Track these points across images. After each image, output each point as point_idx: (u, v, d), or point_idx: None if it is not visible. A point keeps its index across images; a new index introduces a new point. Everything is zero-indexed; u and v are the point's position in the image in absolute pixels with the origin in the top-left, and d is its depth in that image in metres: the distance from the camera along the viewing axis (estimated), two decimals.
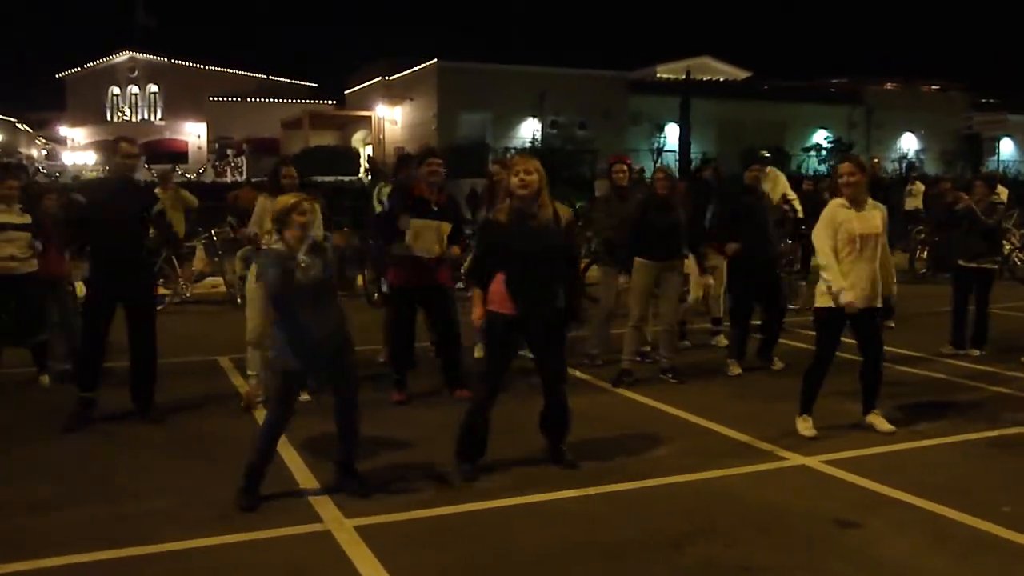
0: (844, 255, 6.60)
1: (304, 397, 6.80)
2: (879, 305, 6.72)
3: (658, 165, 9.40)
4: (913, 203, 19.10)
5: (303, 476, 5.82)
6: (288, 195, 5.46)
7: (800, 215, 11.38)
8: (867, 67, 47.03)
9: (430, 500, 5.39)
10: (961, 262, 9.84)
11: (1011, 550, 4.78)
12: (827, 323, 6.75)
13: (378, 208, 9.56)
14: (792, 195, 11.47)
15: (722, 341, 10.21)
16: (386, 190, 9.55)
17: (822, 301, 6.69)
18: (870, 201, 6.71)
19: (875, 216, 6.67)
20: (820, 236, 6.69)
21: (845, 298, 6.51)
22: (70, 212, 7.39)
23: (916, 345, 10.07)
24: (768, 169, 11.01)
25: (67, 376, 8.00)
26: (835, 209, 6.68)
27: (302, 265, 5.21)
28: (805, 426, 6.79)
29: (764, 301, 9.07)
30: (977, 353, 9.72)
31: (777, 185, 11.25)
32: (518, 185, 5.71)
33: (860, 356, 6.94)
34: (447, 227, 7.67)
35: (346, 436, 5.61)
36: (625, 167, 9.08)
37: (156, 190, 13.31)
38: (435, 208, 7.62)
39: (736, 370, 8.89)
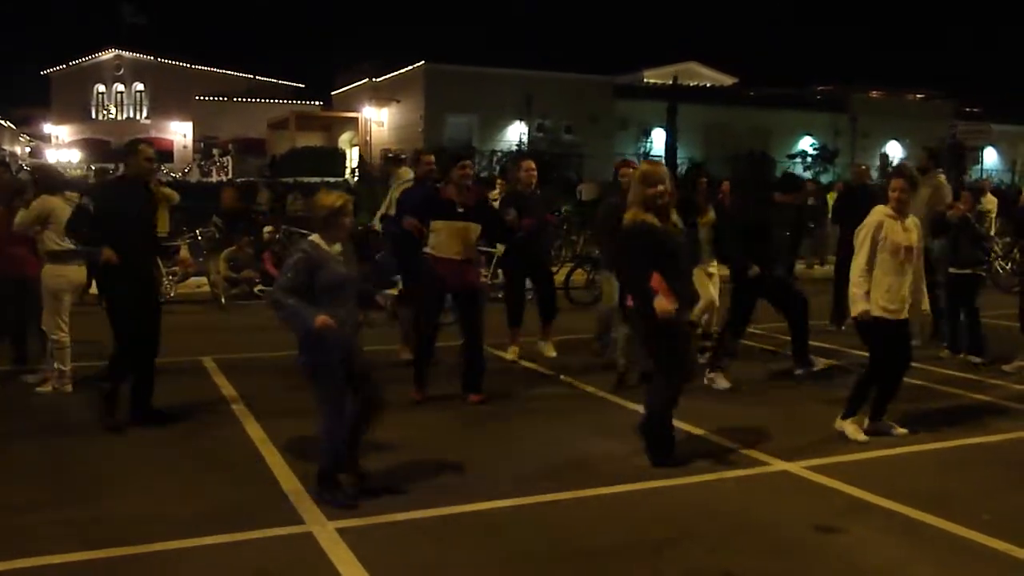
0: (889, 264, 6.71)
1: None
2: (904, 317, 6.79)
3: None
4: None
5: (285, 477, 5.79)
6: (332, 195, 5.43)
7: None
8: (853, 75, 47.34)
9: (411, 502, 5.37)
10: (952, 269, 9.90)
11: (992, 557, 4.80)
12: (876, 330, 6.78)
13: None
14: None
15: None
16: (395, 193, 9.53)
17: (874, 310, 6.74)
18: (911, 216, 6.90)
19: (914, 230, 6.86)
20: (861, 240, 6.83)
21: (857, 309, 6.71)
22: (78, 219, 6.99)
23: None
24: (401, 171, 10.74)
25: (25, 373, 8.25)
26: (882, 216, 6.82)
27: (341, 259, 5.33)
28: (853, 429, 6.86)
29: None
30: (978, 361, 9.65)
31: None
32: (655, 195, 6.06)
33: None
34: (475, 228, 7.66)
35: (356, 436, 5.56)
36: (631, 171, 9.08)
37: None
38: (461, 210, 7.62)
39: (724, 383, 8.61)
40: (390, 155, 11.54)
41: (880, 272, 6.73)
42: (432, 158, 9.41)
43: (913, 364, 9.46)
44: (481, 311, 7.92)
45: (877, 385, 6.92)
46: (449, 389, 7.98)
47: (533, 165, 9.77)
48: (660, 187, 6.04)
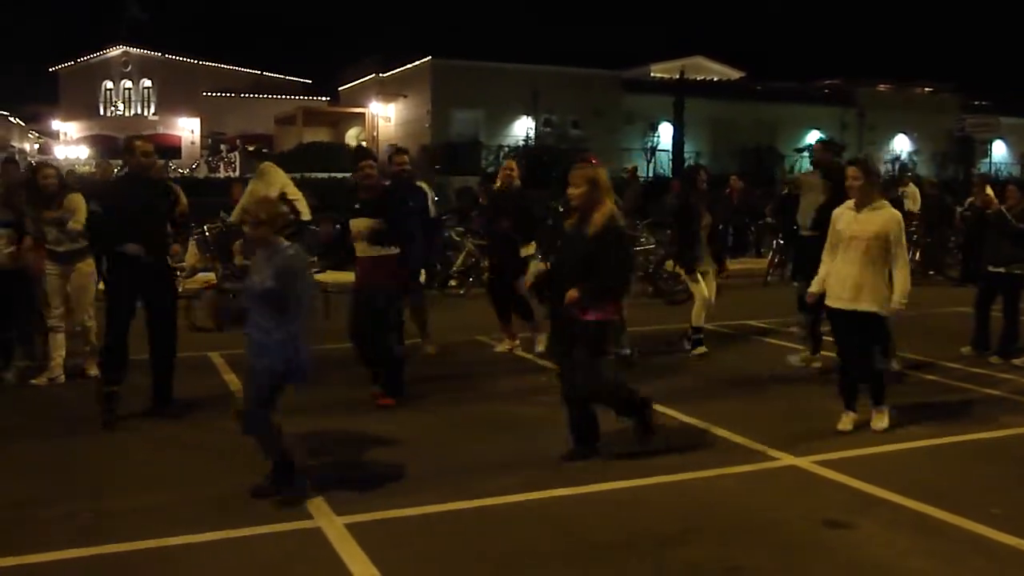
0: (844, 254, 6.80)
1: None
2: (861, 309, 6.69)
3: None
4: (907, 206, 19.11)
5: None
6: (255, 191, 5.49)
7: (304, 216, 10.52)
8: (860, 68, 47.04)
9: (419, 498, 5.37)
10: (990, 267, 9.68)
11: (1002, 552, 4.79)
12: (832, 318, 7.02)
13: None
14: (295, 194, 10.68)
15: (699, 350, 9.86)
16: None
17: (830, 299, 6.93)
18: (876, 205, 6.75)
19: (872, 220, 6.71)
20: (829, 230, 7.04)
21: (809, 289, 7.13)
22: (94, 222, 7.27)
23: (909, 347, 10.03)
24: (264, 165, 10.61)
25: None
26: (842, 209, 6.93)
27: (247, 268, 5.31)
28: (845, 420, 6.98)
29: None
30: (998, 361, 9.47)
31: (274, 183, 10.45)
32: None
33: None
34: (365, 223, 7.52)
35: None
36: (510, 170, 9.21)
37: None
38: (357, 206, 7.59)
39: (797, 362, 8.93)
40: (250, 149, 11.36)
41: (838, 261, 6.83)
42: (405, 158, 9.39)
43: (922, 359, 9.52)
44: (376, 309, 7.52)
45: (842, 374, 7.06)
46: (451, 388, 8.00)
47: (512, 166, 9.83)
48: (568, 190, 6.10)
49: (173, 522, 4.97)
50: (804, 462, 6.16)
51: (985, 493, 5.61)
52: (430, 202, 9.47)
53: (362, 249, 7.54)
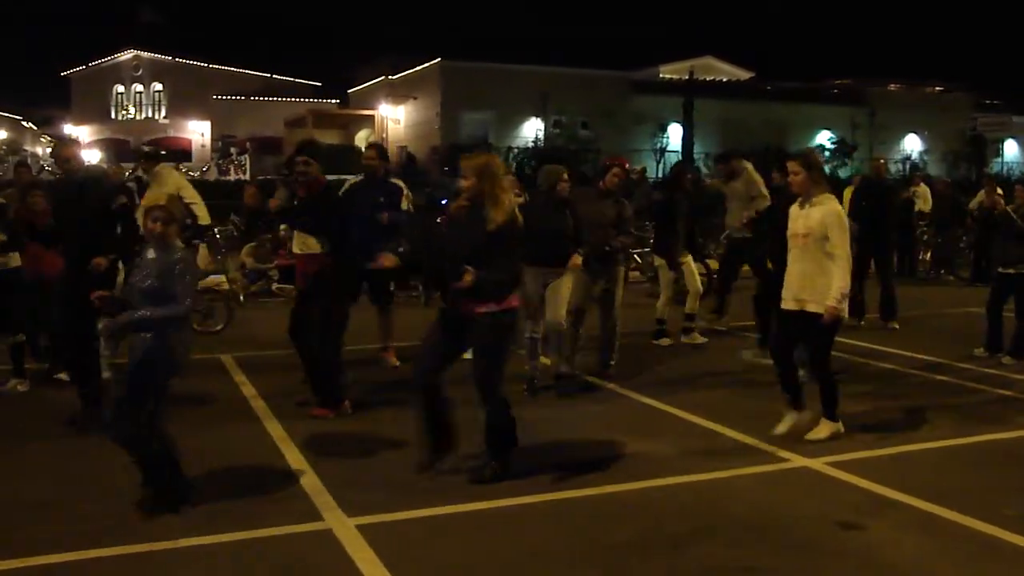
0: (791, 252, 6.64)
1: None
2: (810, 310, 6.45)
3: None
4: (918, 205, 19.04)
5: (305, 475, 5.81)
6: (157, 195, 5.50)
7: (201, 220, 10.36)
8: (870, 68, 46.95)
9: (430, 499, 5.37)
10: (1000, 268, 9.59)
11: (1016, 553, 4.76)
12: (780, 318, 6.89)
13: None
14: (193, 197, 10.23)
15: (696, 339, 10.19)
16: None
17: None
18: (818, 200, 6.49)
19: (811, 215, 6.50)
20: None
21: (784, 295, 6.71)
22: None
23: (919, 347, 10.03)
24: (158, 168, 10.40)
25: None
26: (793, 206, 6.73)
27: (138, 263, 5.23)
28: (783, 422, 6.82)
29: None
30: (1011, 361, 9.35)
31: (167, 186, 9.74)
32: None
33: None
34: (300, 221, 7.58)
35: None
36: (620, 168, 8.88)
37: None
38: (295, 203, 7.60)
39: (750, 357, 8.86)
40: (146, 150, 10.98)
41: (789, 260, 6.67)
42: (374, 152, 9.12)
43: (933, 360, 9.49)
44: (310, 310, 7.30)
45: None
46: (458, 390, 7.99)
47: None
48: (459, 182, 5.82)
49: (185, 524, 4.98)
50: (816, 463, 6.14)
51: (998, 494, 5.58)
52: (405, 200, 9.00)
53: (296, 247, 7.55)
